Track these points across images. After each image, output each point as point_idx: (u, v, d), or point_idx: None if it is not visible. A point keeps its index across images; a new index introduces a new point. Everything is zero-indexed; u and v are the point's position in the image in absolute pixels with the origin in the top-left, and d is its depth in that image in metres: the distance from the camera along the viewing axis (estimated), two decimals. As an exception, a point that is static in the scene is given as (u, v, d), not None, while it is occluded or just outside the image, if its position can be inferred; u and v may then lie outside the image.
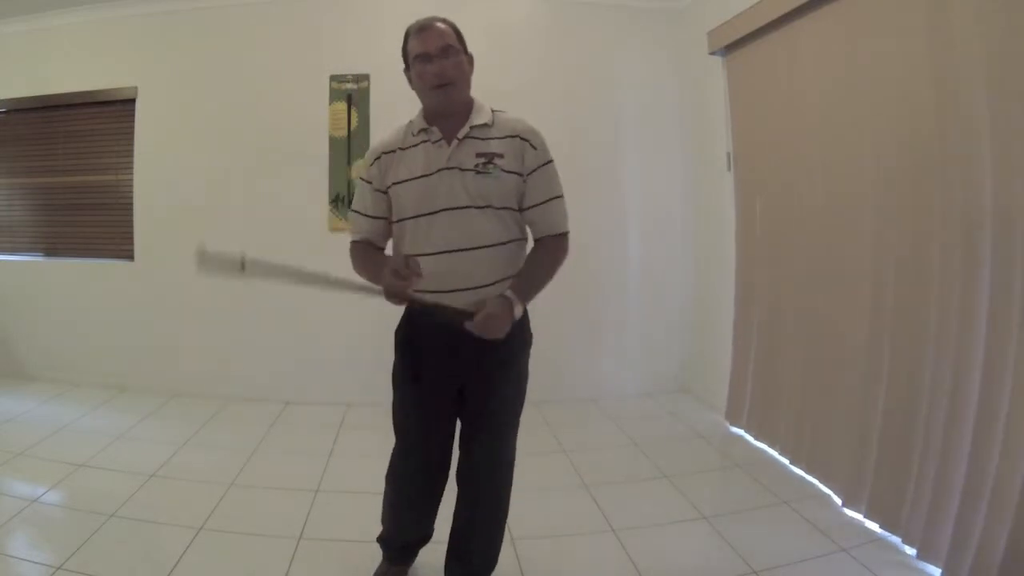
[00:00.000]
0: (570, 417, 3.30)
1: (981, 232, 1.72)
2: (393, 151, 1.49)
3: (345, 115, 3.52)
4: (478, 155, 1.43)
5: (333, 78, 3.52)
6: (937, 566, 1.81)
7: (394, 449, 1.67)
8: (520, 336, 1.54)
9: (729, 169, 3.21)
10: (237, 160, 3.57)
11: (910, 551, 1.91)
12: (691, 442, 2.99)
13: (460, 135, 1.44)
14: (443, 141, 1.45)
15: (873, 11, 2.15)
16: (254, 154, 3.55)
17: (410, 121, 1.52)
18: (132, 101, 3.65)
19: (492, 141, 1.45)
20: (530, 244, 1.55)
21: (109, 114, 3.72)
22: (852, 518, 2.16)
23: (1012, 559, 1.59)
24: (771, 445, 2.78)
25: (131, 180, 3.67)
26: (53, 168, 3.83)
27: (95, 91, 3.68)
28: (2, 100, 3.83)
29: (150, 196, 3.65)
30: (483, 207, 1.42)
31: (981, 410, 1.70)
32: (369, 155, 1.54)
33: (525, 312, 1.56)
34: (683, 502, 2.33)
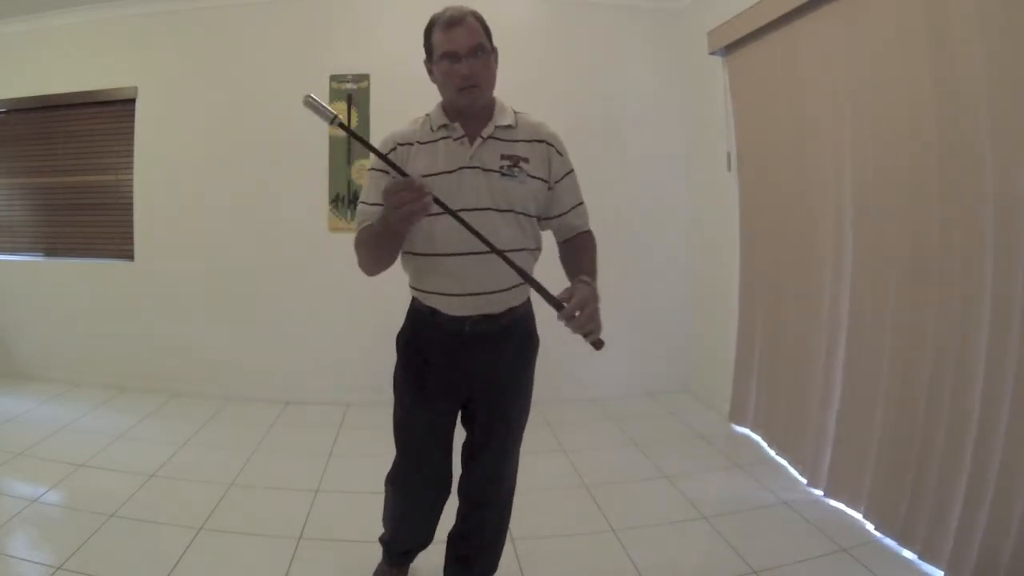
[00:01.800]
0: (570, 417, 3.30)
1: (982, 231, 1.72)
2: (411, 144, 1.39)
3: (345, 115, 3.52)
4: (503, 156, 1.37)
5: (333, 78, 3.53)
6: (939, 567, 1.80)
7: (395, 460, 1.62)
8: (531, 344, 1.53)
9: (729, 169, 3.21)
10: (237, 160, 3.57)
11: (912, 552, 1.91)
12: (691, 442, 2.98)
13: (484, 134, 1.38)
14: (465, 139, 1.38)
15: (873, 11, 2.15)
16: (254, 154, 3.55)
17: (427, 115, 1.44)
18: (132, 101, 3.65)
19: (518, 144, 1.40)
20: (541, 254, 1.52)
21: (109, 114, 3.72)
22: (853, 518, 2.16)
23: (1015, 560, 1.59)
24: (771, 444, 2.79)
25: (131, 180, 3.67)
26: (53, 168, 3.83)
27: (95, 91, 3.68)
28: (2, 100, 3.83)
29: (150, 196, 3.65)
30: (505, 211, 1.35)
31: (984, 409, 1.70)
32: (383, 144, 1.40)
33: (533, 317, 1.55)
34: (683, 502, 2.33)
